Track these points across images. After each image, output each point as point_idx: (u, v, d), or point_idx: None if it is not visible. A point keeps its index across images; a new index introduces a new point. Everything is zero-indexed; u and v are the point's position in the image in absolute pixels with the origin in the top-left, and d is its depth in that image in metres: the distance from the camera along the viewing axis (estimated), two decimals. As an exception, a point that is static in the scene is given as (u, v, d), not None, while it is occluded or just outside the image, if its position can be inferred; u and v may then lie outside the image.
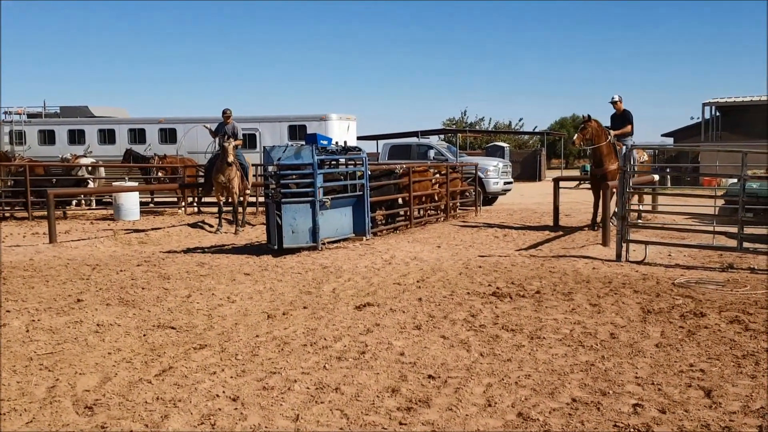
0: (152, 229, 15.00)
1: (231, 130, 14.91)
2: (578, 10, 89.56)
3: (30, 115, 26.26)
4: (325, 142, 11.73)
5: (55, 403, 4.56)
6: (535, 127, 58.10)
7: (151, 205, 21.71)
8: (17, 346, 5.92)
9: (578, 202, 21.11)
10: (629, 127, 13.89)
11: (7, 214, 18.99)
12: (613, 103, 14.00)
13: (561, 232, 13.74)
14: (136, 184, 20.33)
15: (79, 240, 13.41)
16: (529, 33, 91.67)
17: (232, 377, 5.01)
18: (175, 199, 21.57)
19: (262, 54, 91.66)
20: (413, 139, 28.36)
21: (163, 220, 17.97)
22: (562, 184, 16.29)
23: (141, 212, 18.58)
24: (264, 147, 14.83)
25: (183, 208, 20.21)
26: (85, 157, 22.53)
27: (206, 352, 5.64)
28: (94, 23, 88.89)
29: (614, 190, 11.70)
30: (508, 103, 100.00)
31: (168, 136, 24.12)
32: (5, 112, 25.94)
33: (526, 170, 40.85)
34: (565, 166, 52.55)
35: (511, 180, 23.41)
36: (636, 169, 12.51)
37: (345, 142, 13.15)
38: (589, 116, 13.54)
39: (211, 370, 5.16)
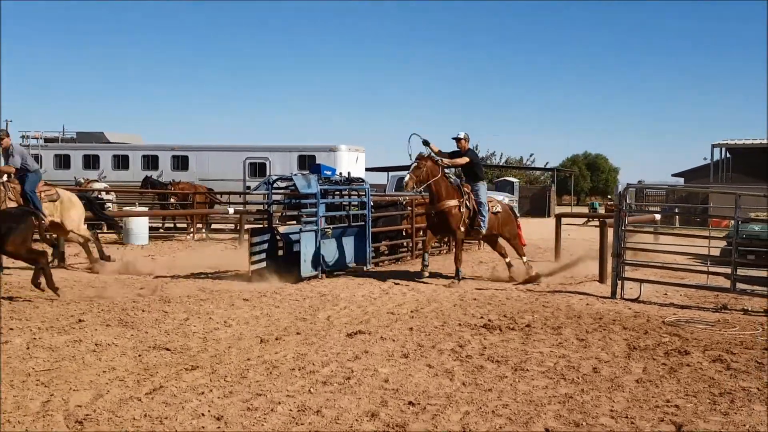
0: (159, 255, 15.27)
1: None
2: (593, 48, 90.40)
3: (47, 140, 26.85)
4: (329, 173, 12.01)
5: (48, 417, 4.76)
6: (547, 163, 58.29)
7: (161, 230, 22.03)
8: (17, 362, 6.13)
9: (584, 239, 21.21)
10: (464, 159, 11.79)
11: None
12: (457, 140, 11.90)
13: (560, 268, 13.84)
14: (146, 209, 20.70)
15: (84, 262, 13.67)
16: (543, 71, 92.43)
17: (219, 398, 5.19)
18: (185, 225, 21.89)
19: (274, 84, 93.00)
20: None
21: (171, 245, 18.26)
22: (570, 221, 16.44)
23: (150, 237, 18.87)
24: (270, 176, 15.07)
25: (192, 234, 20.50)
26: (98, 182, 22.96)
27: (197, 373, 5.83)
28: (117, 52, 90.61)
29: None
30: (520, 138, 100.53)
31: (180, 163, 24.58)
32: (23, 136, 26.53)
33: (535, 206, 40.95)
34: (576, 202, 52.72)
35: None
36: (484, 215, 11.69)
37: (349, 173, 13.41)
38: (420, 154, 11.60)
39: (200, 391, 5.34)
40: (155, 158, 24.85)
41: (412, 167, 11.62)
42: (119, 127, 69.30)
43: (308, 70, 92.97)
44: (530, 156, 61.63)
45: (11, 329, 7.38)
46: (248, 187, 22.45)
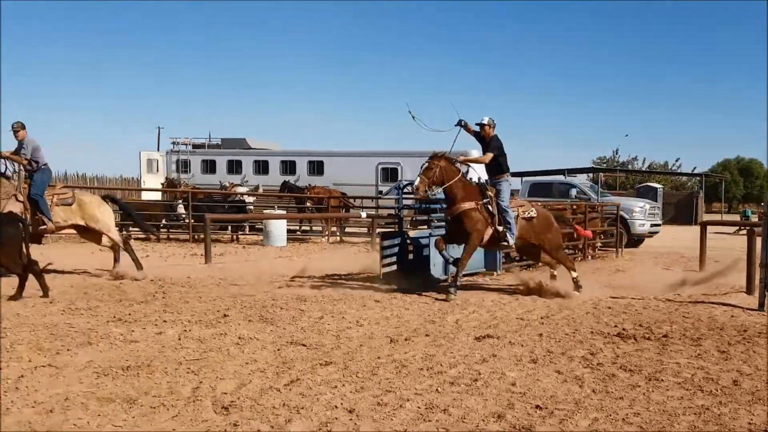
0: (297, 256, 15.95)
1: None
2: (747, 46, 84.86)
3: (195, 146, 28.69)
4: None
5: (197, 402, 5.16)
6: (694, 168, 55.36)
7: (299, 233, 22.95)
8: (170, 352, 6.66)
9: (733, 248, 20.06)
10: (488, 156, 10.59)
11: (172, 237, 20.78)
12: (480, 126, 10.68)
13: (704, 278, 13.21)
14: (284, 212, 21.65)
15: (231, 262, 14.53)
16: (694, 70, 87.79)
17: (351, 392, 5.43)
18: (320, 228, 22.68)
19: (411, 88, 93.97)
20: (556, 177, 28.13)
21: (307, 247, 19.00)
22: (719, 229, 15.62)
23: (288, 240, 19.73)
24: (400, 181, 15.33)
25: (326, 237, 21.22)
26: (241, 186, 24.28)
27: (331, 369, 6.11)
28: (262, 64, 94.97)
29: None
30: (666, 143, 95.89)
31: (315, 168, 25.52)
32: (173, 142, 28.52)
33: (681, 213, 38.97)
34: (727, 210, 49.75)
35: (660, 222, 22.65)
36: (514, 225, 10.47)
37: (480, 178, 13.44)
38: (435, 153, 10.60)
39: (333, 385, 5.61)
40: (293, 163, 25.97)
41: (422, 168, 10.48)
42: (260, 133, 72.64)
43: (443, 77, 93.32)
44: (676, 161, 58.85)
45: (165, 321, 8.01)
46: (380, 192, 22.96)
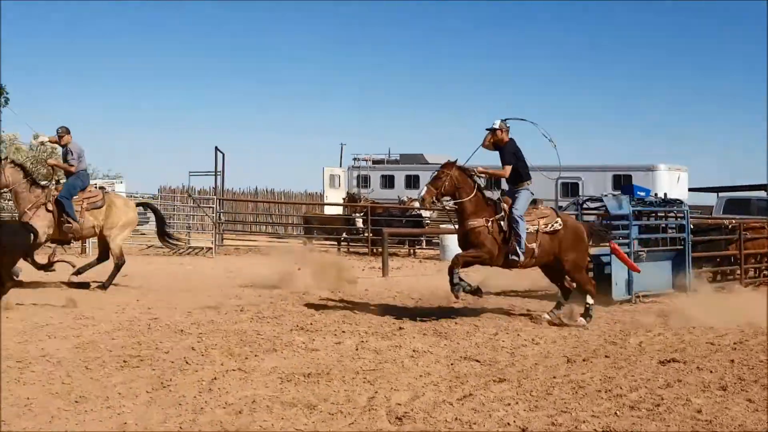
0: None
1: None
2: None
3: (374, 162, 29.64)
4: (642, 194, 11.56)
5: (373, 411, 5.33)
6: None
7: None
8: (348, 361, 6.92)
9: None
10: (507, 169, 9.45)
11: (352, 250, 21.58)
12: (492, 131, 9.52)
13: None
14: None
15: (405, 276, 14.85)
16: None
17: (524, 410, 5.36)
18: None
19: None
20: (756, 193, 25.93)
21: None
22: None
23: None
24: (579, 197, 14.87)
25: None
26: (416, 200, 24.71)
27: (504, 386, 6.07)
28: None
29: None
30: None
31: (492, 182, 25.36)
32: (354, 159, 29.66)
33: None
34: None
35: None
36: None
37: (665, 194, 12.77)
38: (448, 161, 9.48)
39: (506, 402, 5.56)
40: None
41: (432, 177, 9.46)
42: (437, 149, 73.46)
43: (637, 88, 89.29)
44: None
45: (343, 332, 8.33)
46: (560, 207, 22.41)
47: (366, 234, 21.11)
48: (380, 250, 16.66)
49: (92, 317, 8.64)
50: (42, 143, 11.88)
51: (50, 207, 10.82)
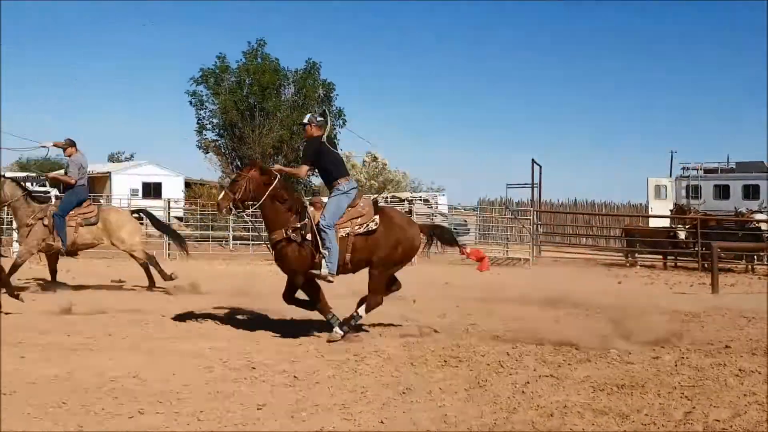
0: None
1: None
2: None
3: (706, 171, 27.59)
4: None
5: (688, 425, 5.18)
6: None
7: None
8: (665, 376, 6.70)
9: None
10: (302, 168, 8.70)
11: (679, 264, 20.34)
12: (302, 126, 8.62)
13: None
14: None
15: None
16: None
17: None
18: None
19: None
20: None
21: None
22: None
23: None
24: None
25: None
26: (760, 212, 22.46)
27: None
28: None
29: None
30: None
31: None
32: (683, 168, 27.94)
33: None
34: None
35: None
36: None
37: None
38: (251, 162, 9.20)
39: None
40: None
41: (230, 181, 8.92)
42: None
43: None
44: None
45: (662, 347, 7.97)
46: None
47: (695, 248, 19.78)
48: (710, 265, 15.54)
49: (416, 319, 9.38)
50: (45, 147, 12.20)
51: (46, 222, 11.09)
